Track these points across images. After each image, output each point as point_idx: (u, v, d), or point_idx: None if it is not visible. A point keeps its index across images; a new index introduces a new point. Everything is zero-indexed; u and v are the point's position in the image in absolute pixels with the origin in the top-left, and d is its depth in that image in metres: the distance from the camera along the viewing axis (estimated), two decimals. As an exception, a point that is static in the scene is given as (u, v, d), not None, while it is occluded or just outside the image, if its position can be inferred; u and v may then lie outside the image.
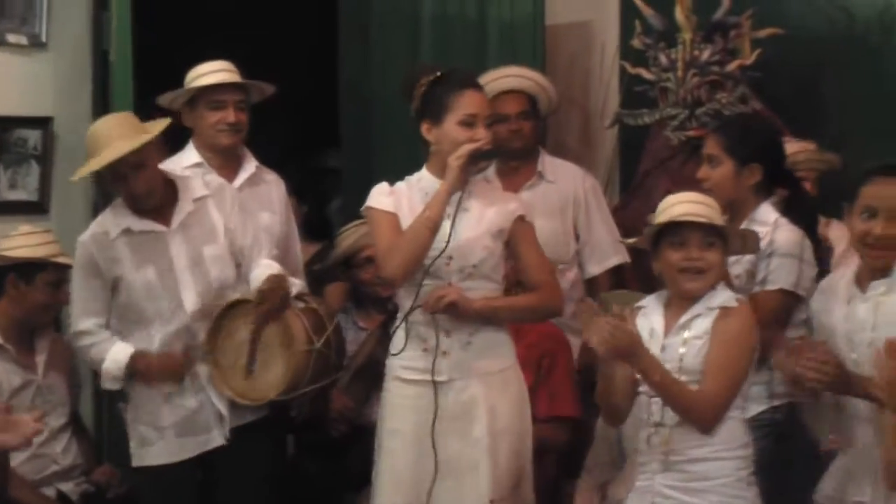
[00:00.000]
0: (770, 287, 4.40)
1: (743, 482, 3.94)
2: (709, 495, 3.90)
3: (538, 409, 4.74)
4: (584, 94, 6.41)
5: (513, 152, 5.47)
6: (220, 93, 5.13)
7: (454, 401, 4.33)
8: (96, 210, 5.47)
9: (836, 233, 5.08)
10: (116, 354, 4.70)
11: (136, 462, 4.80)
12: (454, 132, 4.28)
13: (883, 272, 3.92)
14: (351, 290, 5.73)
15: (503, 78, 5.54)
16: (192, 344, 4.69)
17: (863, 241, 3.91)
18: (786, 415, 4.40)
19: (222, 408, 4.70)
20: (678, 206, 4.00)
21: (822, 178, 5.30)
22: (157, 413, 4.72)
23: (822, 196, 5.14)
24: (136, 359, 4.68)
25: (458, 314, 4.29)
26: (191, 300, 4.68)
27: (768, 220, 4.47)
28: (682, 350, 3.94)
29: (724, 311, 3.97)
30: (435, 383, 4.32)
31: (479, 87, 4.39)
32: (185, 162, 5.12)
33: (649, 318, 4.10)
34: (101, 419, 5.95)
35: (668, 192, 5.28)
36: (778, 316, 4.38)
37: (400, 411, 4.41)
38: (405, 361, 4.38)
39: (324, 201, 7.71)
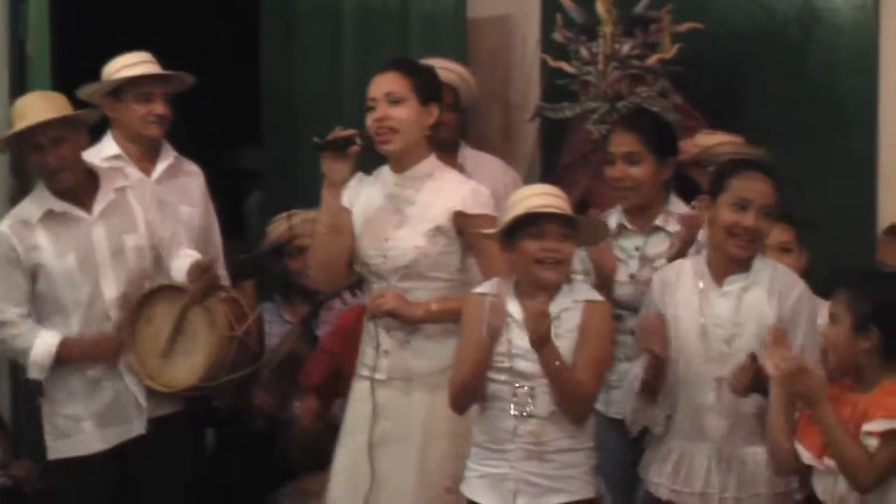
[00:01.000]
0: None
1: (593, 470, 4.07)
2: (574, 482, 4.01)
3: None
4: (506, 88, 6.40)
5: (438, 142, 5.45)
6: (147, 84, 5.11)
7: (391, 399, 4.30)
8: (13, 203, 5.40)
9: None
10: (44, 343, 4.63)
11: (53, 454, 4.74)
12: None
13: (740, 265, 4.05)
14: (280, 282, 5.69)
15: (425, 70, 5.52)
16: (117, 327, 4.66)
17: (730, 230, 4.02)
18: None
19: (140, 397, 4.67)
20: (534, 198, 4.03)
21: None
22: (75, 403, 4.67)
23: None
24: (65, 346, 4.63)
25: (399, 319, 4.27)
26: (111, 289, 4.65)
27: (681, 211, 4.55)
28: (557, 343, 3.95)
29: (591, 304, 4.05)
30: (373, 381, 4.31)
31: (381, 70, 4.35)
32: (103, 153, 5.08)
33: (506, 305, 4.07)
34: (18, 413, 5.88)
35: (589, 186, 5.35)
36: None
37: (350, 407, 4.41)
38: (362, 357, 4.38)
39: (237, 200, 7.67)
